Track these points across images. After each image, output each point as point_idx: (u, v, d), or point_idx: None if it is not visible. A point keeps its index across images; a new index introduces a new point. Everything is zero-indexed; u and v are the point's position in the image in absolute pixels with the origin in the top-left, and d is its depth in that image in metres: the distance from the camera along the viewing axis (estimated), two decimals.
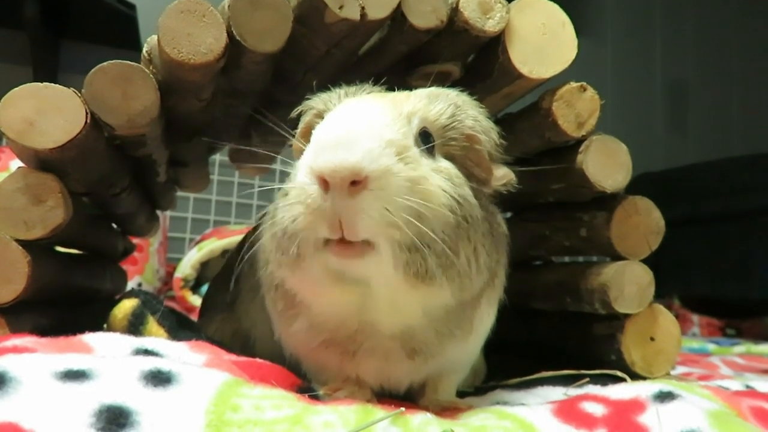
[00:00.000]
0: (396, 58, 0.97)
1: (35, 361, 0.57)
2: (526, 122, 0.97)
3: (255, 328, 0.98)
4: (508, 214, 1.22)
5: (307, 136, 0.72)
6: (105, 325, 0.95)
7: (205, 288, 2.24)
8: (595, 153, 0.92)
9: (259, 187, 2.60)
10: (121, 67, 0.78)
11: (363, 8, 0.81)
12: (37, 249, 0.79)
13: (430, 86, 0.77)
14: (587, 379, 0.89)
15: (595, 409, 0.66)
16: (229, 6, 0.79)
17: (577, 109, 0.90)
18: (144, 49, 0.85)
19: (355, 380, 0.74)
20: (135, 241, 1.59)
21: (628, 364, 0.95)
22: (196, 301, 2.21)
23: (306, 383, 0.77)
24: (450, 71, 0.97)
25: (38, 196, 0.77)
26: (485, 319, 0.79)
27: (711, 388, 0.76)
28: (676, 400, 0.66)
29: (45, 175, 0.78)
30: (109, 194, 1.01)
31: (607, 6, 3.97)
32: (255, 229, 0.77)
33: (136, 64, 0.79)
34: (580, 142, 0.93)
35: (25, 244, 0.77)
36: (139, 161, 1.02)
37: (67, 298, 1.01)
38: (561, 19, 0.90)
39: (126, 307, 0.92)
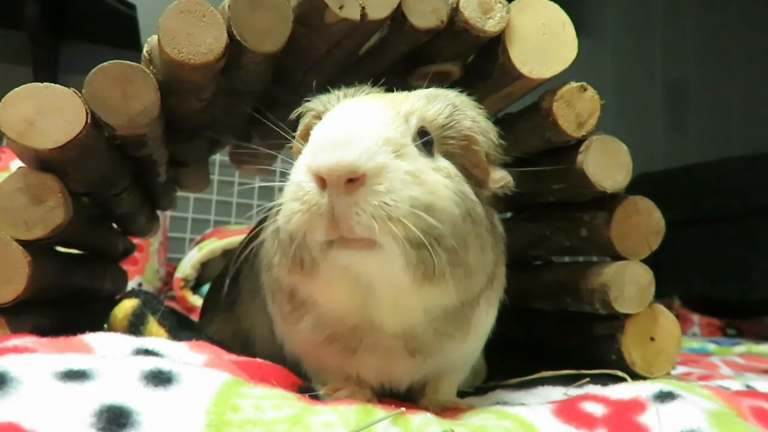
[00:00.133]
0: (396, 58, 0.97)
1: (36, 361, 0.57)
2: (526, 122, 0.97)
3: (254, 328, 0.98)
4: (508, 214, 1.22)
5: (306, 137, 0.72)
6: (105, 325, 0.95)
7: (205, 288, 2.24)
8: (595, 153, 0.92)
9: (260, 186, 2.60)
10: (122, 67, 0.78)
11: (363, 8, 0.81)
12: (37, 249, 0.80)
13: (429, 86, 0.77)
14: (587, 379, 0.89)
15: (596, 409, 0.66)
16: (229, 6, 0.79)
17: (577, 109, 0.90)
18: (144, 49, 0.85)
19: (355, 379, 0.74)
20: (135, 241, 1.59)
21: (629, 364, 0.95)
22: (196, 301, 2.22)
23: (306, 383, 0.77)
24: (450, 71, 0.97)
25: (38, 196, 0.77)
26: (484, 320, 0.79)
27: (711, 388, 0.76)
28: (676, 400, 0.66)
29: (45, 175, 0.78)
30: (110, 194, 1.01)
31: (607, 6, 3.97)
32: (255, 228, 0.77)
33: (136, 64, 0.79)
34: (580, 142, 0.93)
35: (25, 244, 0.77)
36: (139, 161, 1.02)
37: (67, 298, 1.01)
38: (561, 19, 0.90)
39: (126, 307, 0.92)
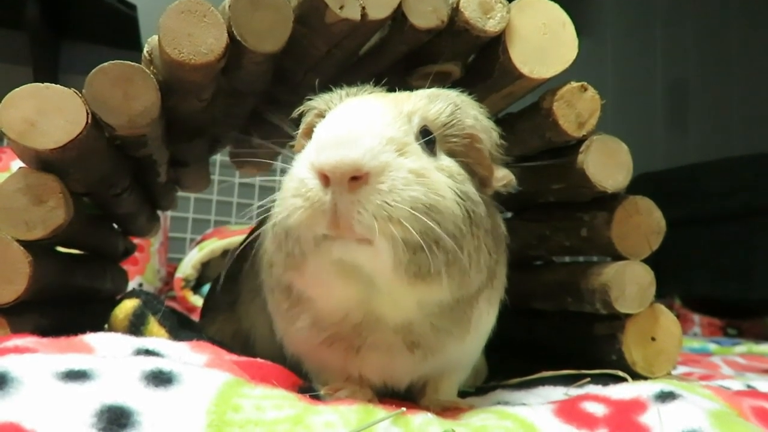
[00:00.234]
0: (396, 58, 0.97)
1: (36, 361, 0.57)
2: (526, 122, 0.97)
3: (255, 328, 0.98)
4: (509, 214, 1.22)
5: (308, 135, 0.73)
6: (106, 326, 0.95)
7: (206, 288, 2.24)
8: (595, 153, 0.91)
9: (260, 186, 2.61)
10: (122, 68, 0.78)
11: (364, 8, 0.81)
12: (38, 249, 0.80)
13: (430, 86, 0.77)
14: (588, 379, 0.89)
15: (596, 409, 0.66)
16: (229, 6, 0.79)
17: (577, 109, 0.90)
18: (145, 50, 0.85)
19: (357, 379, 0.74)
20: (136, 241, 1.59)
21: (629, 364, 0.95)
22: (197, 301, 2.22)
23: (307, 383, 0.77)
24: (450, 71, 0.97)
25: (39, 196, 0.77)
26: (485, 319, 0.79)
27: (712, 388, 0.76)
28: (677, 400, 0.66)
29: (46, 176, 0.78)
30: (110, 194, 1.01)
31: (607, 6, 3.97)
32: (255, 228, 0.77)
33: (136, 64, 0.79)
34: (580, 142, 0.93)
35: (26, 244, 0.77)
36: (139, 161, 1.02)
37: (68, 299, 1.01)
38: (562, 18, 0.90)
39: (127, 307, 0.93)
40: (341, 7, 0.80)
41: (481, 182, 0.74)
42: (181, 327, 0.92)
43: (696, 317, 2.98)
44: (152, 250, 2.34)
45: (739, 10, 4.26)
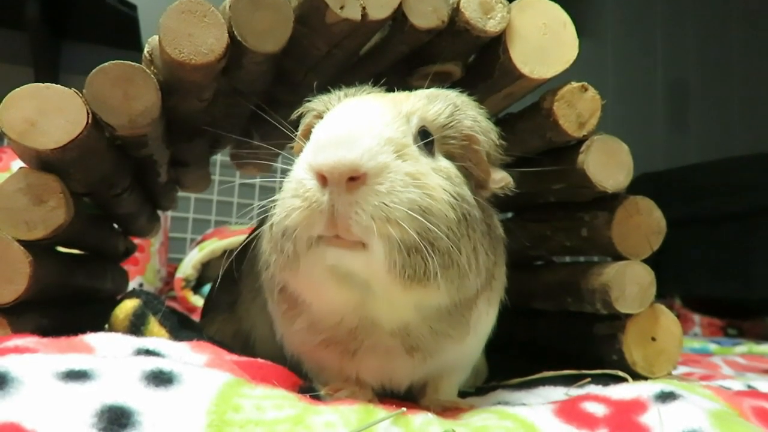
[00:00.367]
0: (397, 59, 0.97)
1: (37, 361, 0.57)
2: (527, 122, 0.97)
3: (255, 328, 0.98)
4: (509, 214, 1.22)
5: (307, 136, 0.72)
6: (106, 326, 0.95)
7: (206, 288, 2.24)
8: (596, 153, 0.91)
9: (261, 186, 2.60)
10: (123, 68, 0.78)
11: (364, 8, 0.81)
12: (38, 249, 0.80)
13: (430, 87, 0.77)
14: (588, 379, 0.89)
15: (597, 409, 0.66)
16: (230, 6, 0.79)
17: (578, 109, 0.90)
18: (145, 50, 0.85)
19: (355, 380, 0.74)
20: (136, 241, 1.59)
21: (630, 364, 0.95)
22: (197, 301, 2.22)
23: (307, 383, 0.77)
24: (451, 71, 0.97)
25: (40, 196, 0.77)
26: (484, 320, 0.79)
27: (712, 388, 0.76)
28: (677, 400, 0.66)
29: (46, 176, 0.78)
30: (111, 194, 1.01)
31: (607, 6, 3.97)
32: (256, 229, 0.77)
33: (137, 64, 0.79)
34: (581, 142, 0.93)
35: (26, 244, 0.77)
36: (140, 161, 1.02)
37: (68, 299, 1.01)
38: (562, 19, 0.90)
39: (127, 307, 0.93)
40: (342, 7, 0.80)
41: (479, 184, 0.74)
42: (181, 327, 0.92)
43: (696, 317, 2.98)
44: (152, 250, 2.34)
45: (739, 10, 4.26)
